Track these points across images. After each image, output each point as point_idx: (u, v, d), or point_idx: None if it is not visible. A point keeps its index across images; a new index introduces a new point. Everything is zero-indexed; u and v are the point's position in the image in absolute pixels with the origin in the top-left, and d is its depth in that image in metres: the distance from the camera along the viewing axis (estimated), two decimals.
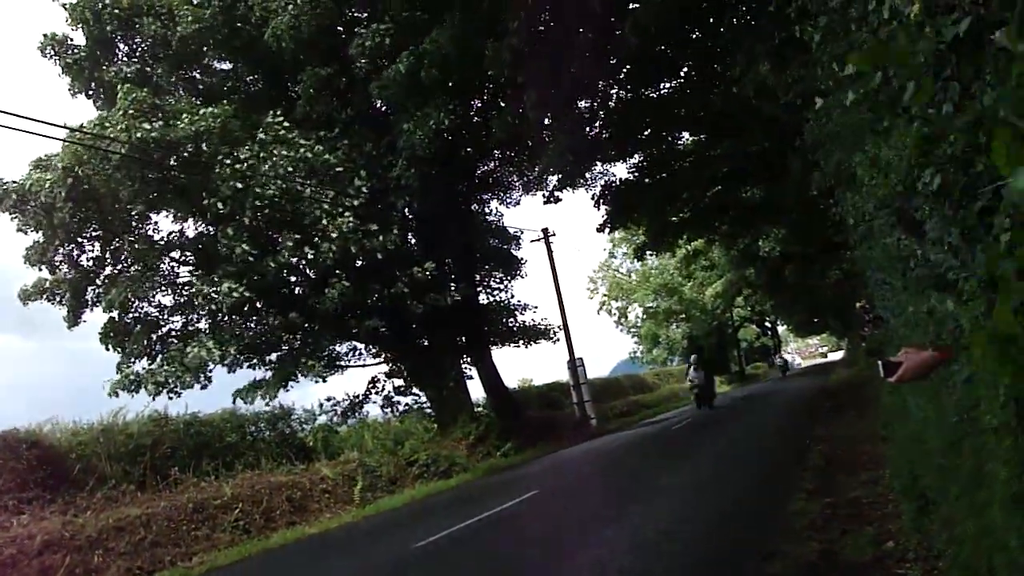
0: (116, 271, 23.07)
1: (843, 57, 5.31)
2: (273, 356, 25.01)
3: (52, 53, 24.35)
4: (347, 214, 21.93)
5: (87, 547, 13.45)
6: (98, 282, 23.17)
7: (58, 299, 23.08)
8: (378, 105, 25.86)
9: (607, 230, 31.29)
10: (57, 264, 22.79)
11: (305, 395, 68.62)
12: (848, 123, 5.77)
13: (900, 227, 4.65)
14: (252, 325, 23.81)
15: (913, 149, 3.37)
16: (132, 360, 22.78)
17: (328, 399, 27.60)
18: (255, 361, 24.56)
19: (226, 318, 22.87)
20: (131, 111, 20.08)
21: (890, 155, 4.06)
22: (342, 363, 28.19)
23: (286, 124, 22.11)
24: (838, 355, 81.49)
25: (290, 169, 21.46)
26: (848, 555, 6.71)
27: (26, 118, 20.72)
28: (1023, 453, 2.85)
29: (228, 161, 20.80)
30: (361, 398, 28.79)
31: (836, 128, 6.55)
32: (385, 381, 29.70)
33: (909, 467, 7.23)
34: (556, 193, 27.29)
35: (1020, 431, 2.88)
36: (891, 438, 10.11)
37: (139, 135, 19.58)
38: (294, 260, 21.87)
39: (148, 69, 24.84)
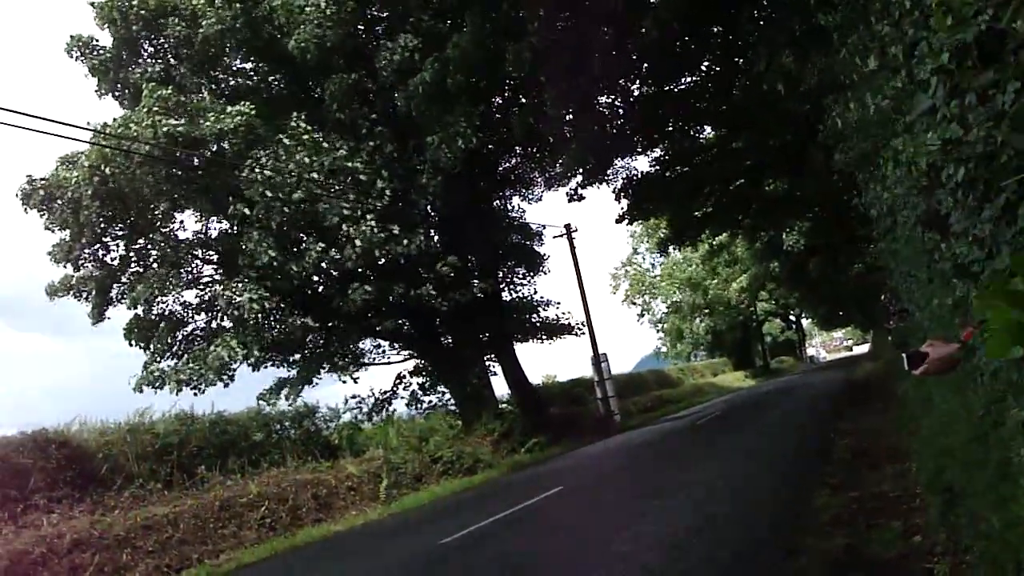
0: (141, 269, 23.21)
1: (866, 49, 5.28)
2: (297, 356, 25.15)
3: (79, 55, 24.56)
4: (369, 217, 21.97)
5: (115, 546, 13.59)
6: (123, 280, 23.33)
7: (83, 296, 23.23)
8: (403, 109, 25.98)
9: (626, 221, 31.25)
10: (82, 263, 22.95)
11: (331, 393, 68.90)
12: (872, 116, 5.73)
13: (923, 225, 4.61)
14: (276, 325, 23.94)
15: (932, 152, 3.35)
16: (158, 358, 22.95)
17: (353, 396, 27.76)
18: (279, 360, 24.70)
19: (250, 319, 23.04)
20: (156, 108, 20.25)
21: (912, 149, 4.03)
22: (366, 361, 28.31)
23: (309, 128, 22.19)
24: (864, 348, 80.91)
25: (314, 175, 21.55)
26: (874, 550, 6.66)
27: (53, 121, 20.96)
28: None
29: (255, 167, 20.92)
30: (389, 395, 28.90)
31: (860, 120, 6.50)
32: (410, 378, 29.82)
33: (935, 460, 7.18)
34: (580, 191, 27.28)
35: None
36: (917, 431, 10.03)
37: (165, 130, 19.76)
38: (318, 264, 22.01)
39: (172, 69, 25.01)
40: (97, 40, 24.86)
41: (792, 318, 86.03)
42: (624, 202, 28.38)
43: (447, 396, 29.27)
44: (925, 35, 3.23)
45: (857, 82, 6.06)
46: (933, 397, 8.20)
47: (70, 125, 29.75)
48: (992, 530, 4.03)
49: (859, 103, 6.04)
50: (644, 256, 72.34)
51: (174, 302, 24.04)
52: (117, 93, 25.23)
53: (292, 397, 23.18)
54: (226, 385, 21.85)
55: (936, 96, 3.11)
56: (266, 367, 24.11)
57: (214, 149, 21.41)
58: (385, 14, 25.55)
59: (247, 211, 21.14)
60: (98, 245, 22.61)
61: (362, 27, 25.50)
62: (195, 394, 21.51)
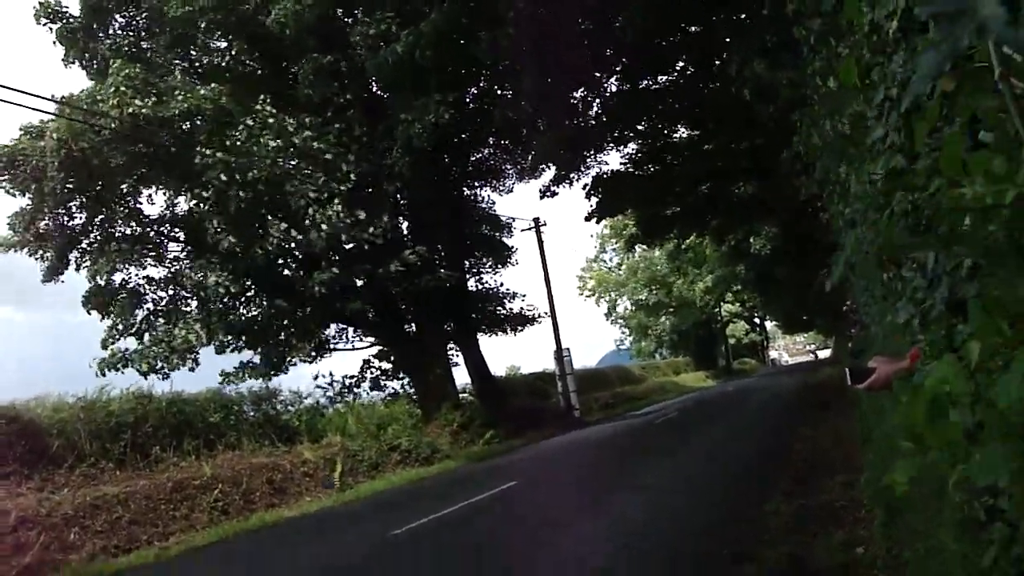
0: (102, 240, 22.72)
1: (830, 66, 5.31)
2: (262, 340, 24.90)
3: (46, 21, 24.15)
4: (336, 201, 21.79)
5: (63, 524, 13.40)
6: (83, 247, 22.84)
7: (40, 254, 22.57)
8: (375, 90, 25.75)
9: (595, 219, 31.39)
10: (44, 233, 22.40)
11: (296, 378, 67.89)
12: (832, 138, 5.77)
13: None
14: (240, 309, 23.70)
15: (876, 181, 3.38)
16: (117, 336, 22.57)
17: (321, 376, 27.51)
18: (243, 346, 24.47)
19: (215, 302, 22.75)
20: (123, 87, 19.94)
21: (865, 172, 4.06)
22: (330, 347, 28.14)
23: (273, 111, 21.92)
24: (826, 353, 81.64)
25: (279, 160, 21.32)
26: (817, 560, 6.74)
27: (20, 91, 20.61)
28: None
29: (212, 148, 20.64)
30: (355, 380, 28.66)
31: (823, 143, 6.54)
32: (376, 362, 29.65)
33: (881, 472, 7.25)
34: (553, 187, 27.28)
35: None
36: (869, 440, 10.14)
37: (130, 111, 19.47)
38: (283, 247, 21.85)
39: (143, 44, 24.65)
40: (67, 8, 24.46)
41: (756, 320, 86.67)
42: (594, 200, 28.45)
43: (408, 384, 29.17)
44: (880, 60, 3.25)
45: (819, 102, 6.10)
46: (885, 408, 8.29)
47: (38, 96, 29.31)
48: (919, 555, 4.09)
49: (821, 124, 6.07)
50: (610, 256, 72.81)
51: (136, 276, 23.65)
52: (85, 63, 24.84)
53: (263, 379, 23.10)
54: (192, 369, 21.59)
55: (887, 123, 3.13)
56: (231, 352, 23.94)
57: (184, 127, 21.13)
58: None
59: (204, 194, 20.92)
60: (61, 210, 22.03)
61: (341, 12, 25.27)
62: (161, 378, 21.24)
